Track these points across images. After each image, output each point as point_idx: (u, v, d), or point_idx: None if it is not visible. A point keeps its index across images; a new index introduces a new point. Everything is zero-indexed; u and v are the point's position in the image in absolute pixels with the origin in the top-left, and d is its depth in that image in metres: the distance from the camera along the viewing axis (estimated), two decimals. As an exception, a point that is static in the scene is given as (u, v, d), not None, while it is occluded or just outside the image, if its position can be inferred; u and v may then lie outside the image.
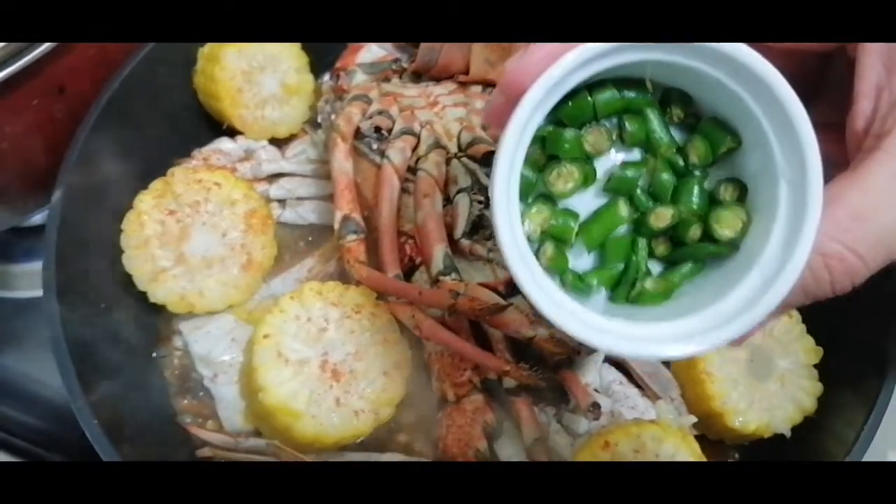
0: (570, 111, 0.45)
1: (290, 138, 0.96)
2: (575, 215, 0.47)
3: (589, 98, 0.45)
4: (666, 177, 0.46)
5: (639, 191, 0.47)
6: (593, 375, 0.79)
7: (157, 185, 0.81)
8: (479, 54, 0.89)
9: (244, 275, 0.81)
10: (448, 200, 0.81)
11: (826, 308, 0.76)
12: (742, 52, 0.41)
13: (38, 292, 1.01)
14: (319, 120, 0.95)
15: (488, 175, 0.83)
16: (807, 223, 0.41)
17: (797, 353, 0.77)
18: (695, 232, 0.46)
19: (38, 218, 0.98)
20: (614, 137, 0.47)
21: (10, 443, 0.91)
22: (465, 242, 0.79)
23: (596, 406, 0.73)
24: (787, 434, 0.75)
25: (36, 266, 1.04)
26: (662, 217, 0.46)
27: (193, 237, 0.80)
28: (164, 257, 0.79)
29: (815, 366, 0.77)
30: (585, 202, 0.47)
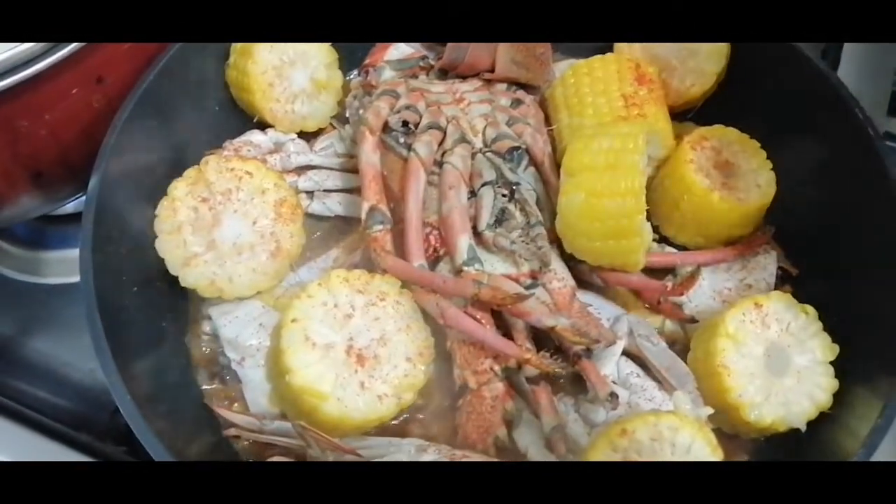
0: None
1: (319, 132, 0.99)
2: None
3: None
4: None
5: None
6: (611, 367, 0.80)
7: (190, 172, 0.83)
8: (504, 53, 0.91)
9: (272, 262, 0.84)
10: (472, 193, 0.83)
11: (842, 306, 0.79)
12: None
13: (70, 279, 1.06)
14: (347, 115, 0.97)
15: (512, 170, 0.85)
16: None
17: (814, 349, 0.78)
18: None
19: (70, 207, 1.01)
20: None
21: (40, 422, 0.94)
22: (488, 234, 0.80)
23: (614, 396, 0.75)
24: (803, 428, 0.76)
25: (67, 253, 1.08)
26: None
27: (224, 224, 0.82)
28: (195, 243, 0.81)
29: (832, 363, 0.78)
30: None
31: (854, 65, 1.04)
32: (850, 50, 1.05)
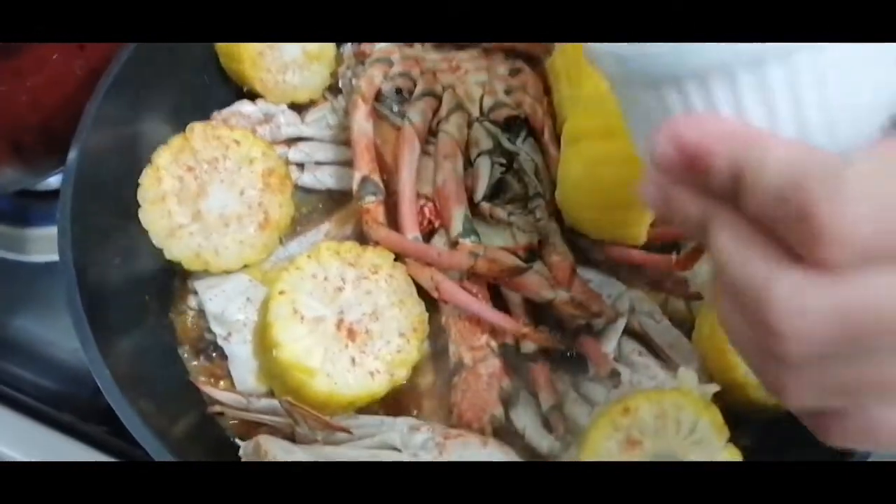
0: None
1: (310, 104, 0.96)
2: None
3: None
4: None
5: None
6: (612, 345, 0.77)
7: (175, 140, 0.80)
8: (503, 20, 0.87)
9: (261, 234, 0.81)
10: (469, 163, 0.80)
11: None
12: None
13: (54, 256, 1.02)
14: (340, 86, 0.94)
15: (510, 139, 0.82)
16: None
17: (823, 326, 0.75)
18: None
19: (53, 181, 0.99)
20: None
21: (23, 402, 0.91)
22: (485, 206, 0.77)
23: (615, 373, 0.72)
24: (810, 407, 0.73)
25: (52, 230, 1.04)
26: None
27: (211, 194, 0.79)
28: (180, 213, 0.78)
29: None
30: None
31: None
32: None
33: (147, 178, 0.78)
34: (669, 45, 0.41)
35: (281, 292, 0.71)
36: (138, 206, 0.78)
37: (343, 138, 0.90)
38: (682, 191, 0.41)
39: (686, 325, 0.81)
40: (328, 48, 0.95)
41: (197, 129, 0.80)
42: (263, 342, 0.72)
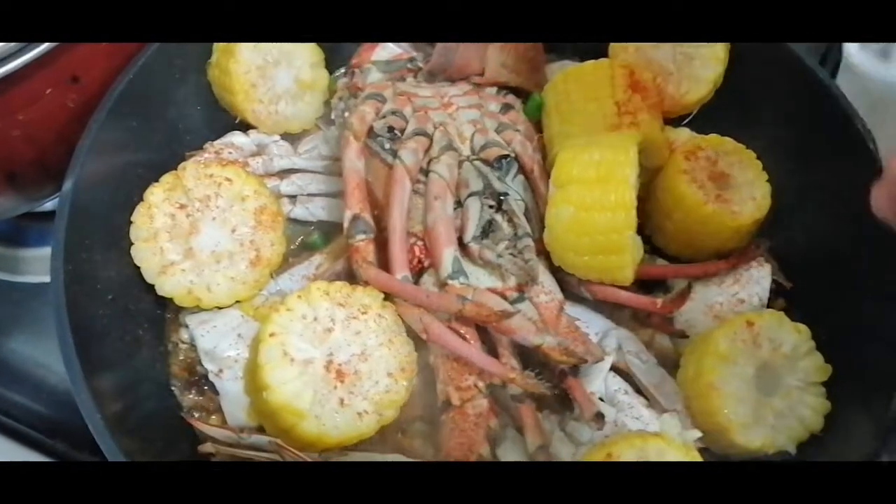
0: None
1: (303, 134, 0.97)
2: None
3: None
4: None
5: None
6: (598, 384, 0.79)
7: (167, 178, 0.81)
8: (494, 57, 0.88)
9: (252, 271, 0.81)
10: (459, 203, 0.81)
11: (836, 322, 0.77)
12: None
13: (47, 277, 1.03)
14: (333, 117, 0.95)
15: (500, 178, 0.82)
16: None
17: (805, 370, 0.76)
18: None
19: (50, 203, 0.99)
20: None
21: (13, 428, 0.92)
22: (474, 246, 0.78)
23: (600, 416, 0.73)
24: (793, 451, 0.75)
25: (45, 251, 1.05)
26: None
27: (203, 232, 0.80)
28: (172, 251, 0.79)
29: (823, 383, 0.77)
30: None
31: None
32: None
33: (139, 216, 0.79)
34: None
35: (271, 334, 0.72)
36: (131, 242, 0.79)
37: (336, 169, 0.91)
38: None
39: (671, 363, 0.82)
40: (321, 78, 0.96)
41: (189, 167, 0.81)
42: (254, 383, 0.73)
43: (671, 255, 0.90)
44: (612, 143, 0.77)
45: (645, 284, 0.86)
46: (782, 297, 0.88)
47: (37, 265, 1.06)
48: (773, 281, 0.87)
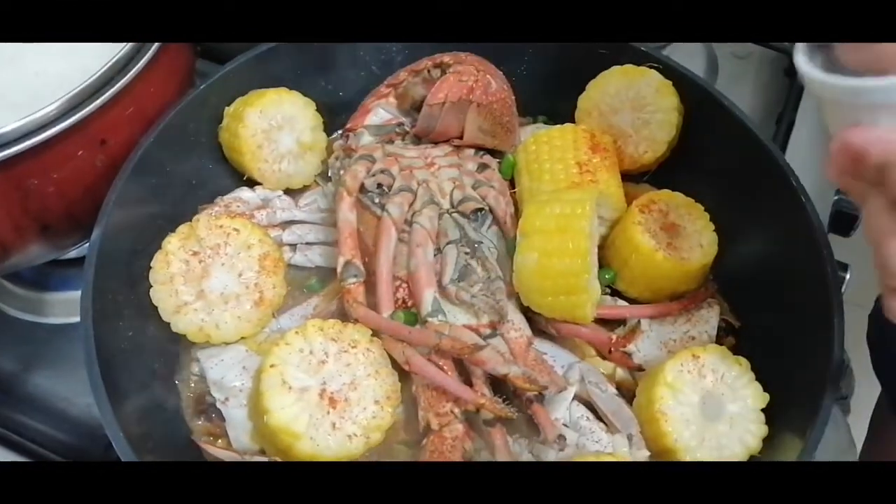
0: None
1: (303, 189, 1.08)
2: None
3: None
4: None
5: None
6: (563, 411, 0.88)
7: (183, 228, 0.92)
8: (472, 121, 0.99)
9: (256, 310, 0.92)
10: (439, 251, 0.92)
11: (775, 356, 0.87)
12: None
13: (70, 318, 1.13)
14: (330, 174, 1.06)
15: (476, 229, 0.93)
16: None
17: (746, 398, 0.85)
18: None
19: (72, 252, 1.08)
20: None
21: (39, 454, 1.01)
22: (451, 288, 0.89)
23: (561, 438, 0.83)
24: (733, 470, 0.83)
25: (68, 295, 1.16)
26: None
27: (213, 276, 0.90)
28: (186, 293, 0.90)
29: (763, 410, 0.85)
30: None
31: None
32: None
33: (157, 262, 0.90)
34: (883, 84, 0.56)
35: (272, 365, 0.82)
36: (149, 285, 0.90)
37: (332, 221, 1.01)
38: (849, 175, 0.60)
39: (630, 394, 0.91)
40: (320, 140, 1.07)
41: (202, 219, 0.92)
42: (256, 408, 0.83)
43: (631, 297, 1.00)
44: (571, 198, 0.88)
45: (608, 323, 0.96)
46: (732, 335, 0.97)
47: (59, 307, 1.16)
48: (723, 319, 0.97)
